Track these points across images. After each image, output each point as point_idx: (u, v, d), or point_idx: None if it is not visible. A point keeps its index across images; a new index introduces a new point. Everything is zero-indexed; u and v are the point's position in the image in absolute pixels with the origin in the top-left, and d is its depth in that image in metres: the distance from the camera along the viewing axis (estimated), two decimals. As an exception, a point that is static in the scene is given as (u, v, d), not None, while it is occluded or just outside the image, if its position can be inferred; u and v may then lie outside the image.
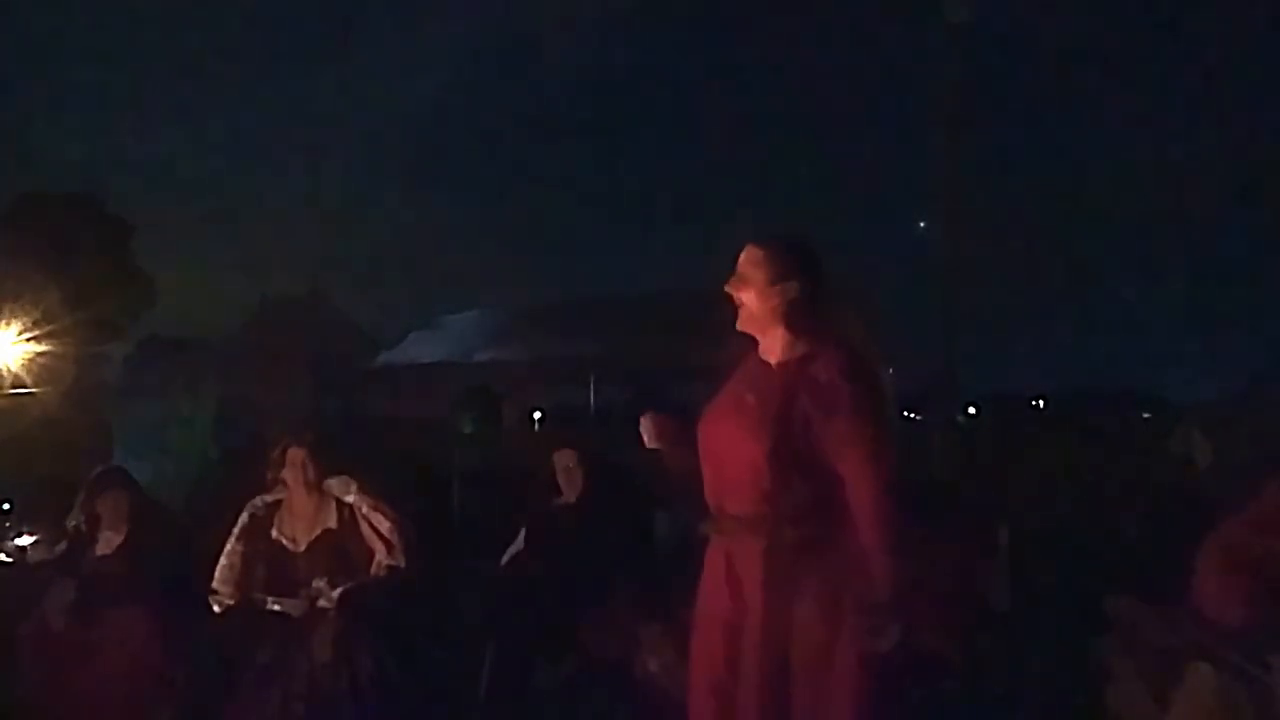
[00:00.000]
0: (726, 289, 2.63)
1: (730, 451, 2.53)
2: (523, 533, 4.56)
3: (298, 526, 4.15)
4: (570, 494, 4.50)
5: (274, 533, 4.16)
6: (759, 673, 2.44)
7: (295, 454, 4.15)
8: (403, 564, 4.07)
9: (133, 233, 23.04)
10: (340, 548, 4.09)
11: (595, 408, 8.87)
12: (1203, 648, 2.85)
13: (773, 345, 2.61)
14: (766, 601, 2.45)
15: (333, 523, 4.13)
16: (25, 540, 5.26)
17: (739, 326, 2.64)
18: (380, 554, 4.08)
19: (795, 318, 2.57)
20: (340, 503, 4.15)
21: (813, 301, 2.58)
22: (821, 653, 2.42)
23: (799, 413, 2.46)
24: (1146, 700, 3.12)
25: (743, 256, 2.62)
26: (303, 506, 4.16)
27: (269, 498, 4.23)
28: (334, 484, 4.18)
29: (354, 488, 4.17)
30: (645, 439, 2.70)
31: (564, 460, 4.52)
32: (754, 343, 2.67)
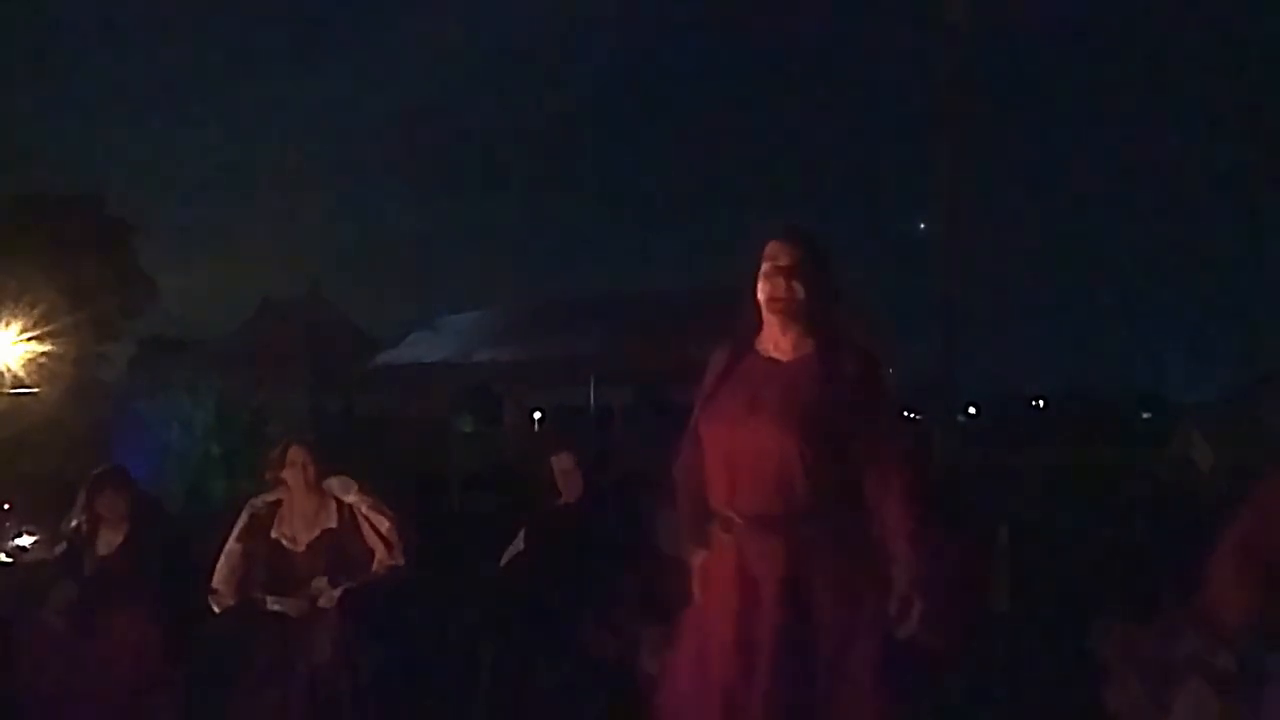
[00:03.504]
0: (779, 277, 2.53)
1: (751, 452, 2.50)
2: (523, 533, 4.56)
3: (298, 526, 4.15)
4: (569, 495, 4.50)
5: (274, 532, 4.16)
6: (776, 668, 2.42)
7: (295, 454, 4.16)
8: (402, 564, 4.08)
9: (133, 233, 23.08)
10: (340, 548, 4.09)
11: (595, 408, 8.87)
12: (1202, 661, 2.83)
13: (781, 340, 2.58)
14: (787, 598, 2.44)
15: (333, 522, 4.13)
16: (25, 540, 5.28)
17: (779, 315, 2.55)
18: (380, 554, 4.09)
19: (816, 313, 2.56)
20: (340, 503, 4.16)
21: (834, 299, 2.59)
22: (845, 643, 2.43)
23: (826, 408, 2.47)
24: (1146, 701, 3.11)
25: (790, 246, 2.55)
26: (303, 506, 4.16)
27: (269, 498, 4.23)
28: (334, 484, 4.19)
29: (354, 488, 4.18)
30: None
31: (562, 463, 4.51)
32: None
